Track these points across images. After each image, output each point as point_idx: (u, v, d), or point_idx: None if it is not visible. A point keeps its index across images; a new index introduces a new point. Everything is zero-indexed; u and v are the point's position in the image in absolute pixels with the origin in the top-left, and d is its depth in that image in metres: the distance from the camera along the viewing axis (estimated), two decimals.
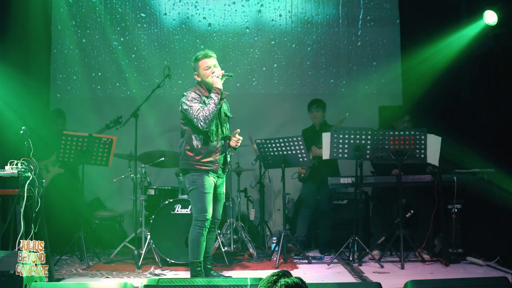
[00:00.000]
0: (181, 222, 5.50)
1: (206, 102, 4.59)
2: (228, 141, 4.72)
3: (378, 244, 5.83)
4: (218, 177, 4.71)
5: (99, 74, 7.63)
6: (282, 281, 2.25)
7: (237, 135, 4.68)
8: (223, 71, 4.66)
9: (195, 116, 4.51)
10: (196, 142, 4.60)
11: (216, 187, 4.71)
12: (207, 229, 4.60)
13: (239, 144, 4.71)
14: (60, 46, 7.60)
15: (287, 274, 2.30)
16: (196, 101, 4.58)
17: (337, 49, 7.64)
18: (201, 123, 4.50)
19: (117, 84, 7.63)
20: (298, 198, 6.94)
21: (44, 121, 6.79)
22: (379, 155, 5.51)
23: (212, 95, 4.56)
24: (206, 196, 4.57)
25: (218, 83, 4.58)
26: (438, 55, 6.45)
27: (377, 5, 7.63)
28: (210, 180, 4.62)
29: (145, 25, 7.64)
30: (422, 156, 5.43)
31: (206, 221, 4.56)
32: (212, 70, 4.66)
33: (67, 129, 6.41)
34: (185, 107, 4.59)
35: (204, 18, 7.64)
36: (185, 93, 4.67)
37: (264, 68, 7.66)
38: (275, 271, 2.33)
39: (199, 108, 4.53)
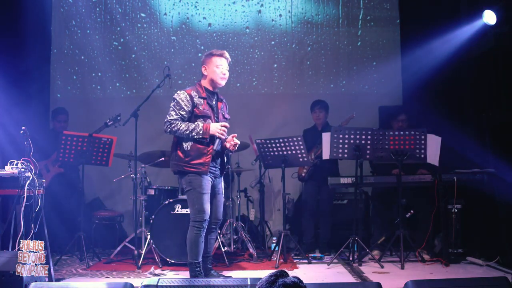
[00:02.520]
0: (181, 222, 5.49)
1: (196, 102, 4.55)
2: (225, 143, 4.69)
3: (378, 244, 5.83)
4: (214, 177, 4.70)
5: (99, 74, 7.63)
6: (280, 281, 2.25)
7: (235, 139, 4.65)
8: (226, 137, 4.62)
9: (169, 119, 4.52)
10: (186, 144, 4.56)
11: (214, 186, 4.70)
12: (204, 230, 4.57)
13: (236, 148, 4.70)
14: (60, 46, 7.60)
15: (284, 274, 2.30)
16: (181, 107, 4.54)
17: (337, 49, 7.64)
18: (165, 128, 4.52)
19: (117, 84, 7.63)
20: (298, 198, 6.94)
21: (44, 120, 6.79)
22: (379, 155, 5.51)
23: (199, 130, 4.48)
24: (204, 197, 4.54)
25: (213, 132, 4.52)
26: (438, 55, 6.44)
27: (377, 5, 7.62)
28: (207, 180, 4.58)
29: (145, 25, 7.64)
30: (422, 156, 5.43)
31: (204, 221, 4.53)
32: (223, 72, 4.65)
33: (67, 129, 6.42)
34: (170, 104, 4.60)
35: (204, 18, 7.64)
36: (178, 91, 4.64)
37: (264, 68, 7.66)
38: (273, 271, 2.33)
39: (177, 117, 4.52)
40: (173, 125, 4.51)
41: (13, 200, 4.35)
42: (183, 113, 4.55)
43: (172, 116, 4.55)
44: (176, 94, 4.62)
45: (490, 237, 5.53)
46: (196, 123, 4.53)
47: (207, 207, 4.55)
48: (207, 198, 4.56)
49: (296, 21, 7.65)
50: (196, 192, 4.54)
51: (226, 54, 4.73)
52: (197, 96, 4.61)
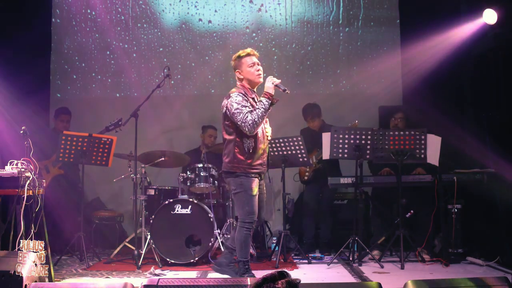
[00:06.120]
0: (181, 222, 5.52)
1: (248, 104, 4.51)
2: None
3: (378, 244, 5.83)
4: (260, 178, 4.70)
5: (99, 74, 7.63)
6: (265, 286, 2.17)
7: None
8: (279, 81, 4.59)
9: (244, 120, 4.42)
10: (246, 146, 4.55)
11: (259, 190, 4.69)
12: (253, 230, 4.64)
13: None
14: (60, 46, 7.60)
15: (275, 278, 2.21)
16: (244, 104, 4.48)
17: (337, 49, 7.64)
18: (249, 127, 4.42)
19: (117, 84, 7.62)
20: (298, 198, 6.94)
21: (45, 120, 6.78)
22: (379, 155, 5.51)
23: (263, 100, 4.50)
24: (254, 199, 4.56)
25: (270, 89, 4.53)
26: (438, 55, 6.44)
27: (377, 5, 7.62)
28: (256, 183, 4.60)
29: (145, 25, 7.64)
30: (422, 156, 5.43)
31: (253, 222, 4.58)
32: (257, 69, 4.63)
33: (69, 129, 6.42)
34: (233, 110, 4.47)
35: (204, 17, 7.64)
36: (231, 94, 4.55)
37: (264, 68, 7.60)
38: (272, 271, 2.28)
39: (247, 112, 4.44)
40: (249, 118, 4.42)
41: (13, 200, 4.35)
42: (249, 104, 4.52)
43: (244, 112, 4.43)
44: (232, 98, 4.51)
45: (490, 237, 5.53)
46: (257, 106, 4.50)
47: (256, 209, 4.58)
48: (256, 199, 4.59)
49: (296, 21, 7.65)
50: (247, 194, 4.54)
51: (253, 51, 4.69)
52: (247, 96, 4.57)
